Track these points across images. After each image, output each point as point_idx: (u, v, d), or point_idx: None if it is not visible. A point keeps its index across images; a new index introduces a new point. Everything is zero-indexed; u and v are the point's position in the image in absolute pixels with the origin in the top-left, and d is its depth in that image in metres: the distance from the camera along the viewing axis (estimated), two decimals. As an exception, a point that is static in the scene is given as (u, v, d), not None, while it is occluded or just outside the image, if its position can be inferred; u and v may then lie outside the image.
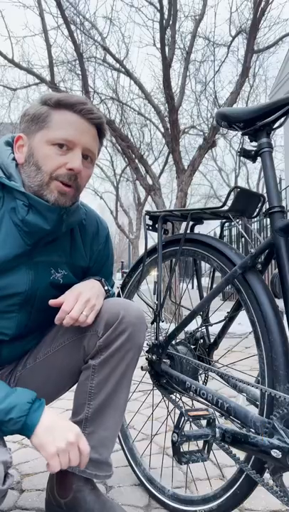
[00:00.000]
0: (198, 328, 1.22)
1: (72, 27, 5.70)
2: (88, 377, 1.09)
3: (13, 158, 1.02)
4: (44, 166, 0.96)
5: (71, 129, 0.96)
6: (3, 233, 0.98)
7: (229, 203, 1.07)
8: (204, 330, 1.24)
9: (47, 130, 0.96)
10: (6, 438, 0.90)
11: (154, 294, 1.30)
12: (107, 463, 1.11)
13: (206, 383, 1.23)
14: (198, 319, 1.22)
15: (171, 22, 5.44)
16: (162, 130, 6.28)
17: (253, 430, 0.88)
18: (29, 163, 0.98)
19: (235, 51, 6.99)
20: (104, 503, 1.08)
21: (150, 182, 5.96)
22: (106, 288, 1.12)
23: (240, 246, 7.84)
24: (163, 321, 1.27)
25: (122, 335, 1.05)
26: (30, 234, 1.00)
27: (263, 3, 5.10)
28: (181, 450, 0.88)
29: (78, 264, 1.14)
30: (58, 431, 0.86)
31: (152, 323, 1.27)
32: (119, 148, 5.94)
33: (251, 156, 1.03)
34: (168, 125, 5.67)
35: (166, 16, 5.33)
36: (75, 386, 1.16)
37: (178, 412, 0.94)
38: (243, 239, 7.44)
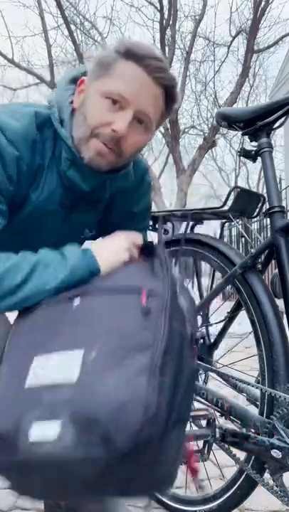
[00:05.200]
0: (198, 328, 1.22)
1: (72, 27, 5.71)
2: None
3: (71, 102, 0.90)
4: (90, 118, 0.84)
5: (130, 84, 0.82)
6: (48, 179, 0.90)
7: (229, 203, 1.08)
8: (204, 330, 1.24)
9: (107, 79, 0.83)
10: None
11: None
12: None
13: (206, 383, 1.23)
14: (198, 319, 1.22)
15: (171, 22, 5.45)
16: (162, 130, 6.28)
17: (253, 430, 0.88)
18: (80, 111, 0.87)
19: (235, 51, 6.99)
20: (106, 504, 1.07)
21: (150, 182, 5.96)
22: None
23: (240, 246, 7.84)
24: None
25: None
26: (69, 189, 0.91)
27: (262, 3, 5.12)
28: (181, 450, 0.88)
29: (112, 221, 1.03)
30: (113, 249, 0.82)
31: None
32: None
33: (251, 156, 1.03)
34: (168, 125, 5.67)
35: (166, 16, 5.34)
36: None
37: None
38: (243, 239, 7.43)
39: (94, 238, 1.02)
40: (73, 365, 0.61)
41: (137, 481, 0.58)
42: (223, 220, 1.21)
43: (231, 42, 6.68)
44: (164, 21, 5.28)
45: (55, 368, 0.62)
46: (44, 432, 0.56)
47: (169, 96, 0.88)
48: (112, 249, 0.82)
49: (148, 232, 1.28)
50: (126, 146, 0.85)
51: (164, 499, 1.19)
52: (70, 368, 0.61)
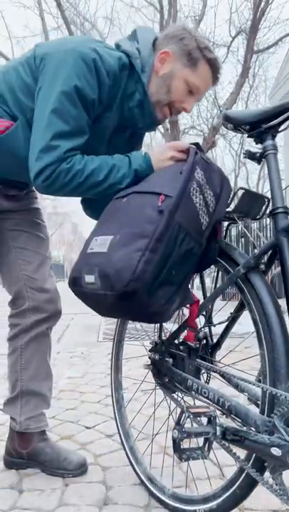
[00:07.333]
0: (201, 328, 1.22)
1: (73, 27, 5.71)
2: (17, 358, 1.41)
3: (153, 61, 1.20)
4: (174, 93, 1.19)
5: (205, 84, 1.21)
6: (117, 107, 1.20)
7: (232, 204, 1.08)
8: (207, 330, 1.24)
9: (192, 72, 1.18)
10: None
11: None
12: (43, 415, 1.45)
13: (208, 383, 1.24)
14: (202, 319, 1.22)
15: (171, 22, 5.44)
16: (162, 130, 6.28)
17: (253, 429, 0.88)
18: (164, 80, 1.19)
19: (235, 51, 7.06)
20: (59, 451, 1.41)
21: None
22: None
23: (240, 246, 7.85)
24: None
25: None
26: (126, 120, 1.24)
27: (262, 4, 5.13)
28: (182, 447, 0.89)
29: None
30: (162, 159, 1.13)
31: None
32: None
33: (256, 158, 1.04)
34: (168, 125, 5.68)
35: (166, 17, 5.34)
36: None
37: (179, 411, 0.95)
38: (242, 239, 7.43)
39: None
40: (106, 243, 1.02)
41: (133, 313, 1.01)
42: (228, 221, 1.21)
43: (231, 42, 6.71)
44: (164, 22, 5.29)
45: (99, 244, 1.05)
46: (89, 279, 1.03)
47: None
48: (162, 159, 1.13)
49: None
50: None
51: (164, 498, 1.20)
52: (104, 245, 1.02)
